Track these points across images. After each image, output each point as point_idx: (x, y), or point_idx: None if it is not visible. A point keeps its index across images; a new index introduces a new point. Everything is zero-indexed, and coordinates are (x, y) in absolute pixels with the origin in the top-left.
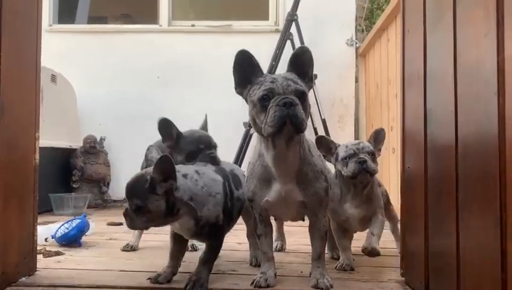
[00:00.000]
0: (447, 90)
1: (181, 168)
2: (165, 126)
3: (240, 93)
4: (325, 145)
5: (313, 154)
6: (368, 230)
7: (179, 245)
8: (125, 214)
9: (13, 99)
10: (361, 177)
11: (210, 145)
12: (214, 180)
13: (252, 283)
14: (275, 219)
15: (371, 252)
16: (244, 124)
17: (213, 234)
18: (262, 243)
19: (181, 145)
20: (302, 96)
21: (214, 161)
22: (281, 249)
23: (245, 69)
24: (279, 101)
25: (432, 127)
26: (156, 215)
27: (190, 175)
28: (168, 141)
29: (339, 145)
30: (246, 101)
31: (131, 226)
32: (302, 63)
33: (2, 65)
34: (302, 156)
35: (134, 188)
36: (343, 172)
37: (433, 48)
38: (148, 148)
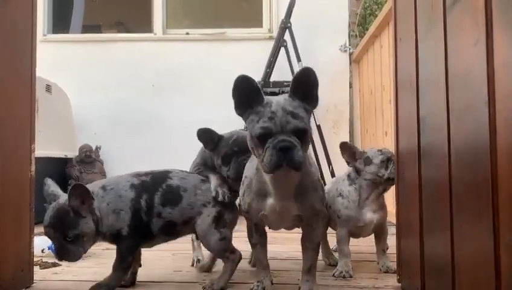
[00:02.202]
0: (439, 98)
1: (88, 187)
2: (204, 134)
3: (239, 114)
4: (350, 151)
5: (310, 163)
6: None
7: None
8: (61, 253)
9: (8, 110)
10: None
11: (245, 149)
12: (120, 196)
13: None
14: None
15: (391, 271)
16: None
17: (117, 241)
18: (257, 252)
19: (218, 148)
20: (303, 134)
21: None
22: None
23: (245, 94)
24: (276, 143)
25: (425, 134)
26: (91, 236)
27: (96, 192)
28: (208, 146)
29: (366, 150)
30: (245, 122)
31: (76, 257)
32: (306, 86)
33: None
34: (303, 169)
35: (62, 221)
36: (380, 174)
37: (425, 56)
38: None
